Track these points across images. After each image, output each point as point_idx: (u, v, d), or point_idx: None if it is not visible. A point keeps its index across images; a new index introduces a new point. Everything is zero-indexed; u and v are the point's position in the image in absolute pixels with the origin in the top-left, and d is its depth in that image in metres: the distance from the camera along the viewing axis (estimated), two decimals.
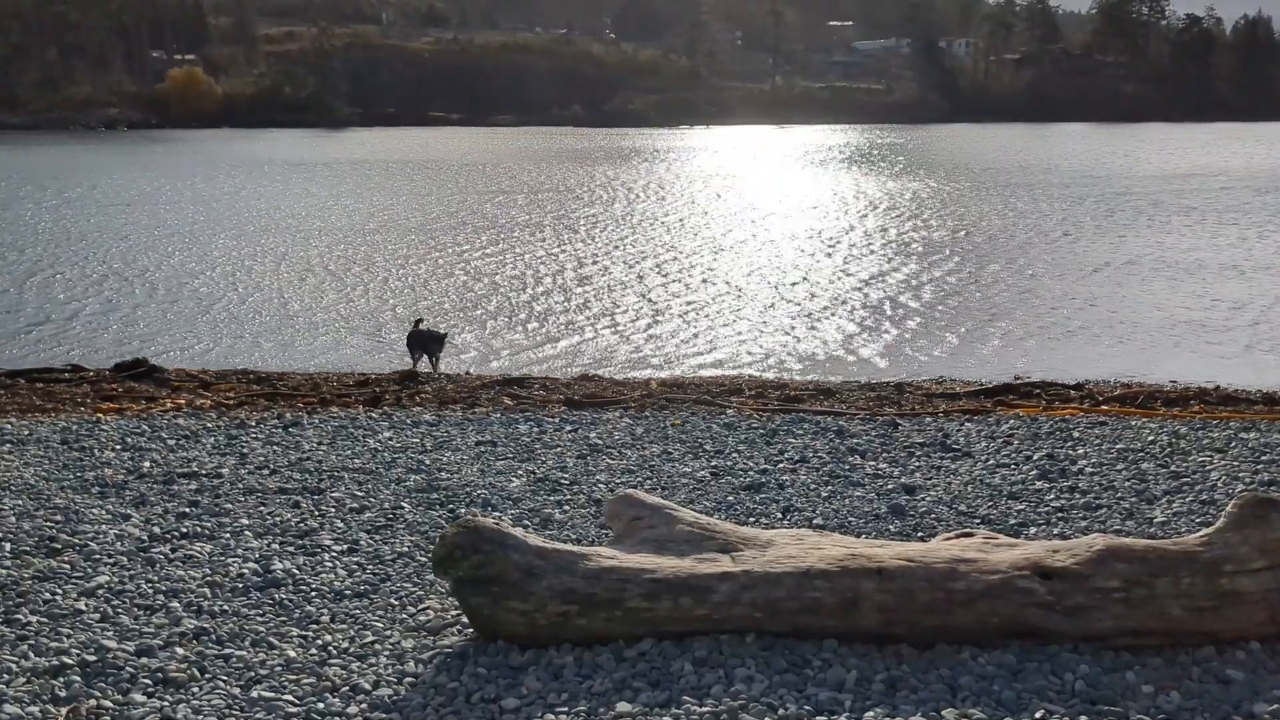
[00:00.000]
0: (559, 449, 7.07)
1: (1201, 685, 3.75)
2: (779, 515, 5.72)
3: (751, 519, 5.63)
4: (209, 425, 7.66)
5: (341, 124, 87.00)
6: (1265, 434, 7.36)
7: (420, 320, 11.79)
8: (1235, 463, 6.61)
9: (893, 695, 3.68)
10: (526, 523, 5.52)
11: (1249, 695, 3.68)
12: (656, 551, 4.27)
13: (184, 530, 5.34)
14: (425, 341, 10.98)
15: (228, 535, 5.28)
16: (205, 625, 4.22)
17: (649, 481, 6.31)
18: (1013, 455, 6.86)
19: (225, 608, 4.41)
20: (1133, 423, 7.80)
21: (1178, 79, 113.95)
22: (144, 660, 3.92)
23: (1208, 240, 22.01)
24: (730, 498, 6.03)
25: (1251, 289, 16.40)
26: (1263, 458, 6.73)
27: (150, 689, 3.73)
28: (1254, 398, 9.13)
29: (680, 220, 25.77)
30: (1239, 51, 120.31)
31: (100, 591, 4.53)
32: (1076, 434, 7.40)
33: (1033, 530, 5.40)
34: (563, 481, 6.30)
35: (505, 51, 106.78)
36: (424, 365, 10.85)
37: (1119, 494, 6.00)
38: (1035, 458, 6.77)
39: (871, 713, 3.55)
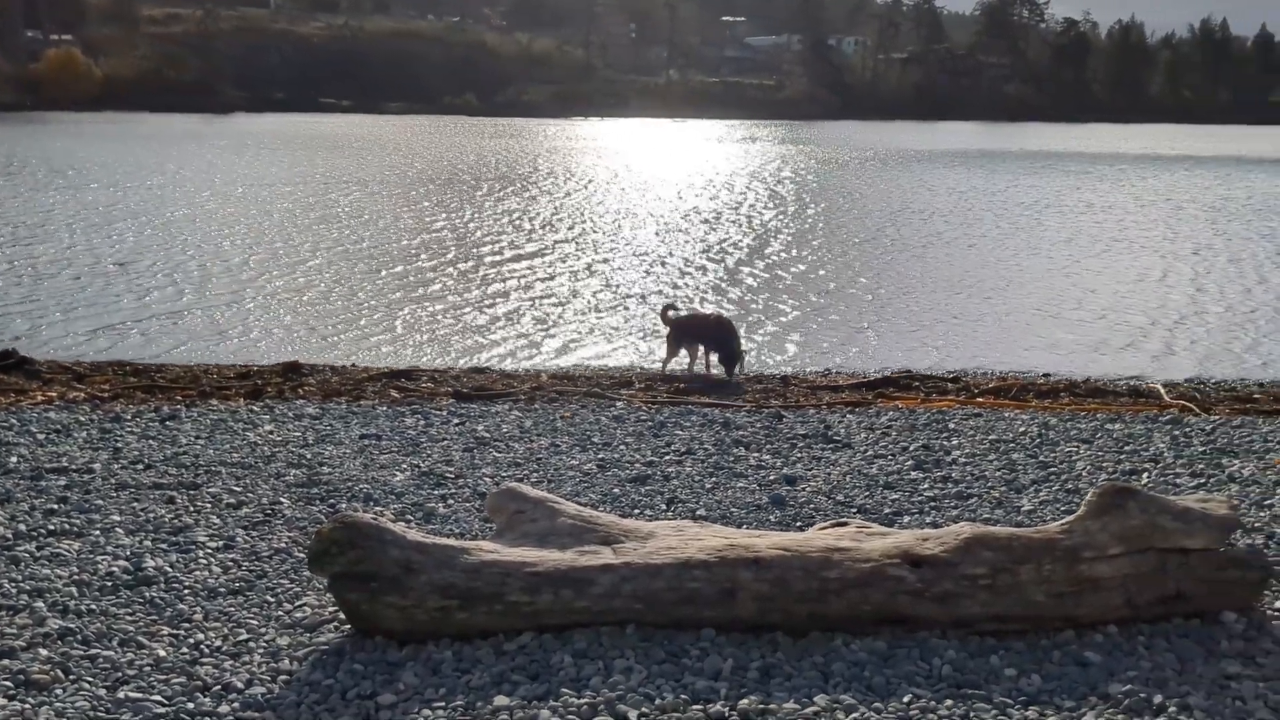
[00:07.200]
0: (445, 442, 7.03)
1: (1061, 668, 3.91)
2: (663, 507, 5.78)
3: (636, 511, 5.68)
4: (81, 419, 7.44)
5: (227, 109, 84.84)
6: (1129, 425, 7.68)
7: (671, 306, 10.26)
8: (1100, 453, 6.88)
9: (767, 683, 3.76)
10: (409, 517, 5.49)
11: (1105, 677, 3.84)
12: (538, 545, 4.29)
13: (51, 527, 5.18)
14: (720, 336, 9.38)
15: (97, 532, 5.14)
16: (71, 625, 4.11)
17: (536, 474, 6.32)
18: (890, 446, 7.03)
19: (93, 607, 4.30)
20: (1006, 414, 8.06)
21: (1056, 80, 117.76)
22: (5, 662, 3.80)
23: (1084, 234, 22.76)
24: (616, 490, 6.07)
25: (1126, 284, 17.02)
26: (1126, 448, 7.02)
27: (11, 691, 3.63)
28: (1121, 390, 9.50)
29: (573, 212, 25.74)
30: (1114, 55, 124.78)
31: None
32: (952, 425, 7.62)
33: (906, 519, 5.55)
34: (448, 475, 6.27)
35: (396, 38, 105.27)
36: (692, 366, 9.57)
37: (990, 484, 6.20)
38: (911, 449, 6.96)
39: (746, 700, 3.62)
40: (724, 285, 16.57)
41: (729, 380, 9.45)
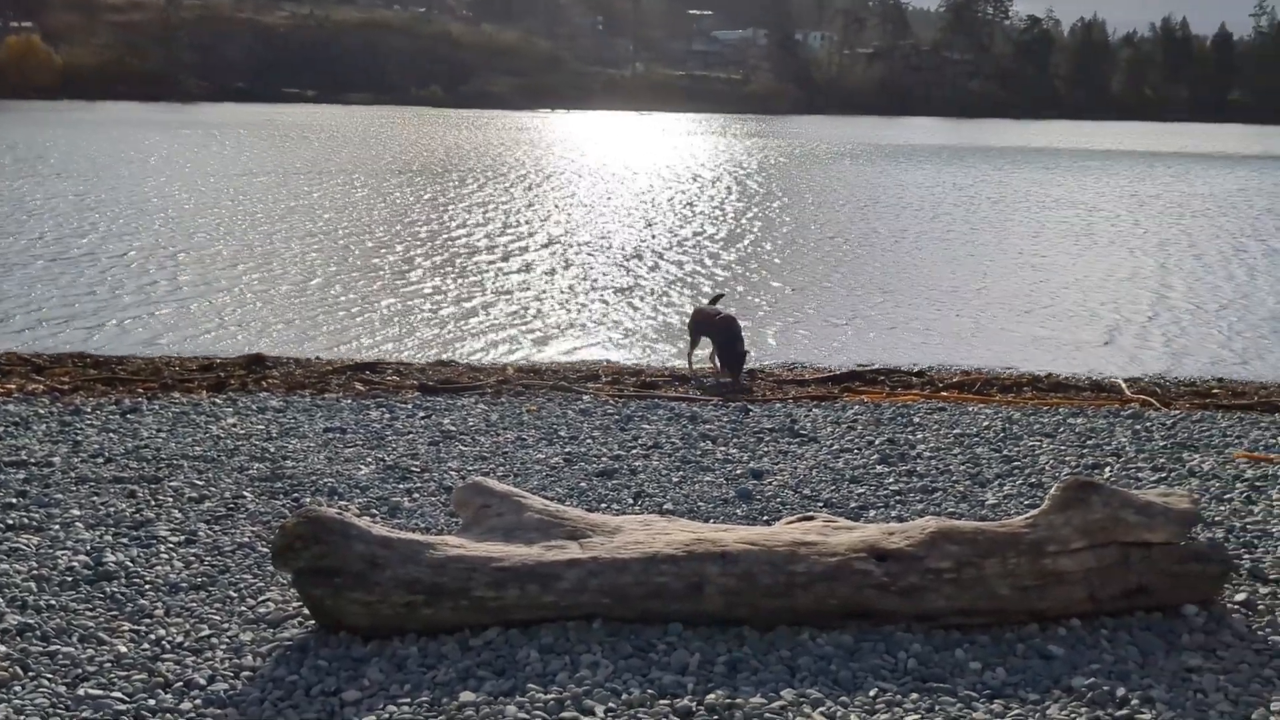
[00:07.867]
0: (411, 436, 6.99)
1: (1025, 661, 3.94)
2: (630, 501, 5.77)
3: (603, 505, 5.66)
4: (40, 411, 7.34)
5: (189, 98, 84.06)
6: (1091, 419, 7.75)
7: (720, 297, 10.01)
8: (1062, 447, 6.94)
9: (734, 677, 3.76)
10: (374, 511, 5.45)
11: (1068, 670, 3.87)
12: (504, 539, 4.27)
13: (10, 522, 5.11)
14: (723, 335, 9.08)
15: (57, 527, 5.07)
16: (30, 621, 4.05)
17: (502, 468, 6.30)
18: (856, 440, 7.06)
19: (52, 602, 4.24)
20: (970, 408, 8.11)
21: (1020, 77, 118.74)
22: None
23: (1048, 230, 22.95)
24: (583, 484, 6.06)
25: (1088, 280, 17.17)
26: (1088, 442, 7.09)
27: None
28: (1083, 385, 9.59)
29: (541, 205, 25.68)
30: (1076, 52, 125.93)
31: None
32: (917, 419, 7.67)
33: (872, 513, 5.57)
34: (413, 469, 6.24)
35: (362, 29, 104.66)
36: (704, 363, 9.39)
37: (954, 477, 6.24)
38: (877, 442, 6.99)
39: (713, 695, 3.62)
40: (691, 279, 16.58)
41: (734, 382, 9.09)
